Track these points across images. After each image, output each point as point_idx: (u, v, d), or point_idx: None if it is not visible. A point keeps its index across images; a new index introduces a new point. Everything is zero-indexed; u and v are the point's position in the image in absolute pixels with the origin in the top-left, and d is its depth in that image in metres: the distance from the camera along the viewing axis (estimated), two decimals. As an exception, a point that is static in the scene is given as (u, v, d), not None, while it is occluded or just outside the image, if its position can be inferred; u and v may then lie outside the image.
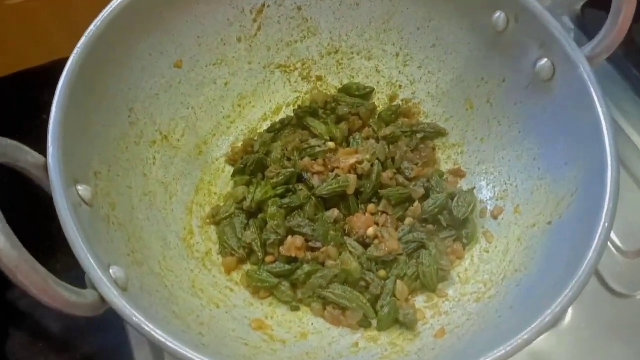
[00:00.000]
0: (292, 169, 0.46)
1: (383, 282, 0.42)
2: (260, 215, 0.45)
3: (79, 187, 0.36)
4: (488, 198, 0.47)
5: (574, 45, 0.40)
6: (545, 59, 0.42)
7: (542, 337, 0.44)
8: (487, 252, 0.44)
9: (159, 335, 0.30)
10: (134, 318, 0.30)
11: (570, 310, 0.47)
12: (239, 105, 0.51)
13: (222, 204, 0.47)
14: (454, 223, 0.45)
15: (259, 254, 0.44)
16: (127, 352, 0.47)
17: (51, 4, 0.56)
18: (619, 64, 0.61)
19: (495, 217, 0.45)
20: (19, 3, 0.55)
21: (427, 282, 0.42)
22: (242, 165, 0.48)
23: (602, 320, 0.48)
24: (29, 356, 0.50)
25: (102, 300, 0.31)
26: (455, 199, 0.45)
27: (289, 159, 0.48)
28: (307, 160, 0.46)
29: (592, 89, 0.39)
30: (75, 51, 0.38)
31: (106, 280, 0.31)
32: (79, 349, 0.51)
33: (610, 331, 0.47)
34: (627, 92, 0.60)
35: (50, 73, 0.56)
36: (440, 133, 0.50)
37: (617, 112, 0.58)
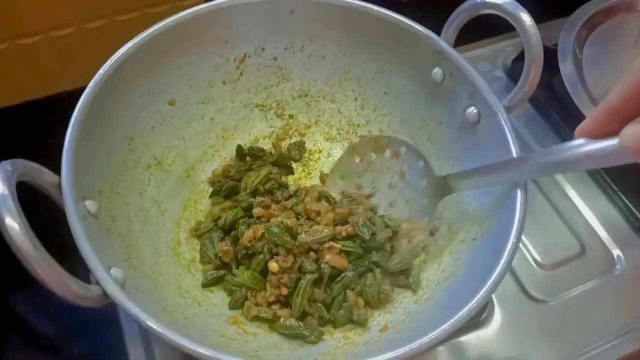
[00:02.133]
0: (253, 199, 0.49)
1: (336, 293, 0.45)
2: (232, 233, 0.48)
3: (87, 202, 0.38)
4: (427, 218, 0.51)
5: (494, 97, 0.44)
6: (473, 107, 0.45)
7: (473, 335, 0.49)
8: (425, 262, 0.47)
9: (153, 323, 0.33)
10: (132, 309, 0.33)
11: (496, 313, 0.50)
12: (223, 137, 0.54)
13: (203, 220, 0.50)
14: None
15: (232, 264, 0.46)
16: (121, 352, 0.47)
17: (53, 45, 0.58)
18: (541, 109, 0.64)
19: (432, 234, 0.48)
20: (26, 43, 0.57)
21: (369, 300, 0.45)
22: (218, 188, 0.51)
23: (524, 322, 0.50)
24: (26, 358, 0.50)
25: (105, 294, 0.34)
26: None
27: (255, 190, 0.50)
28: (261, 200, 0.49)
29: (507, 133, 0.42)
30: (86, 90, 0.41)
31: (109, 278, 0.34)
32: (74, 350, 0.50)
33: (531, 331, 0.50)
34: (548, 132, 0.63)
35: (52, 104, 0.59)
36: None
37: (537, 147, 0.61)
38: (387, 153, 0.50)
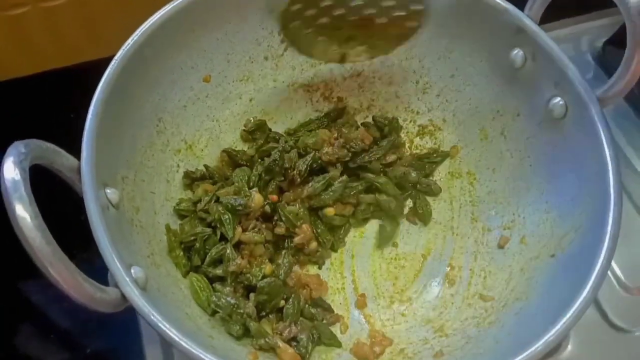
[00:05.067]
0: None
1: None
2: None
3: (107, 190, 0.38)
4: (496, 227, 0.48)
5: (586, 86, 0.41)
6: (559, 98, 0.43)
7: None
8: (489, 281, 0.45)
9: (174, 334, 0.32)
10: (152, 317, 0.32)
11: (571, 341, 0.48)
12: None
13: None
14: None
15: None
16: (137, 350, 0.47)
17: (78, 9, 0.57)
18: (636, 103, 0.61)
19: (501, 246, 0.46)
20: (45, 7, 0.57)
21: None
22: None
23: (602, 354, 0.48)
24: (37, 350, 0.51)
25: (123, 298, 0.33)
26: None
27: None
28: None
29: (601, 131, 0.40)
30: (112, 63, 0.40)
31: (128, 280, 0.33)
32: (88, 345, 0.51)
33: (609, 365, 0.47)
34: None
35: (75, 75, 0.59)
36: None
37: (630, 150, 0.58)
38: None
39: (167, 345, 0.46)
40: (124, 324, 0.49)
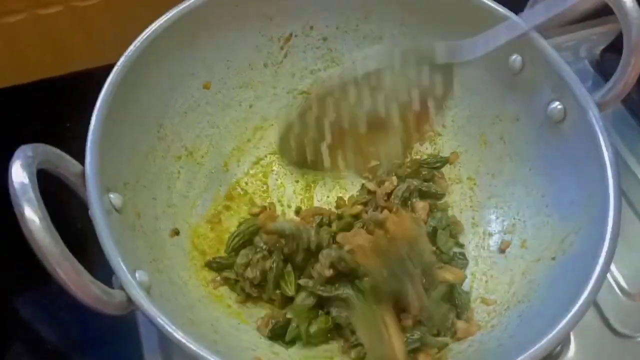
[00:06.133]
0: None
1: None
2: None
3: (111, 195, 0.39)
4: (497, 231, 0.49)
5: (584, 91, 0.42)
6: (557, 102, 0.44)
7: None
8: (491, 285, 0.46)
9: (180, 336, 0.33)
10: (159, 319, 0.33)
11: (572, 347, 0.49)
12: (262, 127, 0.54)
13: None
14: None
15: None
16: None
17: (75, 17, 0.59)
18: (634, 108, 0.62)
19: (502, 251, 0.47)
20: (41, 14, 0.58)
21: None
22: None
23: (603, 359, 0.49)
24: None
25: (129, 300, 0.34)
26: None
27: None
28: None
29: (599, 135, 0.41)
30: (115, 69, 0.41)
31: (134, 282, 0.34)
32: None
33: (610, 371, 0.48)
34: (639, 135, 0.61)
35: (71, 84, 0.60)
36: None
37: (628, 154, 0.59)
38: None
39: (168, 357, 0.47)
40: (123, 339, 0.49)
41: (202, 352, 0.32)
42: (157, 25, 0.44)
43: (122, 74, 0.42)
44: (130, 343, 0.48)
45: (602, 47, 0.66)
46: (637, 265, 0.53)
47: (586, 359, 0.49)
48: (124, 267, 0.34)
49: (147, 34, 0.44)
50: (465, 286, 0.47)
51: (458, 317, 0.45)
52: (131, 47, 0.43)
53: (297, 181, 0.55)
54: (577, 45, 0.68)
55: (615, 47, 0.64)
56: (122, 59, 0.42)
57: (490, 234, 0.50)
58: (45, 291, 0.51)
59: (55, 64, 0.62)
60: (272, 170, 0.55)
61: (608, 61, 0.65)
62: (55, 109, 0.60)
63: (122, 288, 0.34)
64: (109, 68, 0.42)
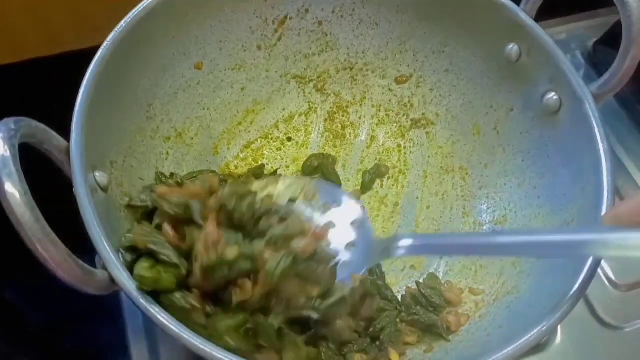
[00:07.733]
0: None
1: None
2: None
3: (96, 174, 0.38)
4: (487, 222, 0.49)
5: (581, 82, 0.42)
6: (553, 93, 0.44)
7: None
8: (480, 275, 0.46)
9: (163, 319, 0.32)
10: (141, 299, 0.32)
11: (559, 337, 0.49)
12: (253, 111, 0.54)
13: None
14: None
15: None
16: (121, 346, 0.47)
17: None
18: (625, 101, 0.62)
19: None
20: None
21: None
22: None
23: (591, 350, 0.49)
24: (10, 350, 0.51)
25: (112, 281, 0.33)
26: None
27: None
28: None
29: (595, 126, 0.40)
30: (104, 44, 0.40)
31: (117, 263, 0.33)
32: (66, 346, 0.51)
33: (597, 361, 0.48)
34: (631, 129, 0.61)
35: (60, 63, 0.58)
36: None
37: (620, 148, 0.59)
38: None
39: (154, 343, 0.46)
40: (107, 320, 0.49)
41: (184, 335, 0.31)
42: (148, 2, 0.43)
43: (112, 49, 0.41)
44: (114, 325, 0.48)
45: (594, 40, 0.66)
46: (625, 257, 0.53)
47: (573, 348, 0.49)
48: (106, 246, 0.33)
49: (138, 10, 0.42)
50: (455, 276, 0.47)
51: (437, 310, 0.44)
52: (121, 23, 0.42)
53: (287, 167, 0.54)
54: (569, 37, 0.68)
55: (608, 40, 0.64)
56: (111, 35, 0.41)
57: (481, 224, 0.49)
58: (28, 274, 0.51)
59: (44, 45, 0.60)
60: (263, 155, 0.54)
61: (601, 54, 0.65)
62: (45, 88, 0.59)
63: (104, 268, 0.33)
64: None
